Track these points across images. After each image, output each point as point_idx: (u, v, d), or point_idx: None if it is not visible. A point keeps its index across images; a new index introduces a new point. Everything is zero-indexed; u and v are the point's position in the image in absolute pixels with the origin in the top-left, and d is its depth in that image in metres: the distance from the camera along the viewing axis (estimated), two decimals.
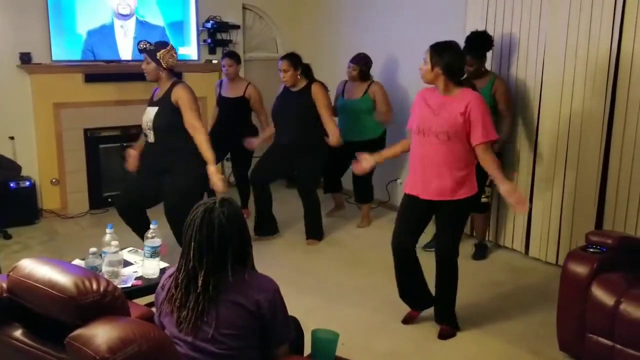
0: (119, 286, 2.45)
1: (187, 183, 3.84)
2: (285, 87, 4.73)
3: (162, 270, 2.81)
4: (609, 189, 3.99)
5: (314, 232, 4.89)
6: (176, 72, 4.08)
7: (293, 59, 4.59)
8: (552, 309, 3.10)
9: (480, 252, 4.57)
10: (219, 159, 5.77)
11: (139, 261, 2.94)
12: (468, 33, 4.33)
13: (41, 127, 5.38)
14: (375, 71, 5.16)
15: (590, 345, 2.86)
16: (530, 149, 4.45)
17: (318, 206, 4.87)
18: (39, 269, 1.75)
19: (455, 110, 3.05)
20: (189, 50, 5.98)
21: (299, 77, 4.60)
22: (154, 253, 2.82)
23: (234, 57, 5.26)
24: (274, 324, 1.94)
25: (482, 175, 3.38)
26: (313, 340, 2.35)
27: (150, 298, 2.48)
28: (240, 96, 5.20)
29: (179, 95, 3.76)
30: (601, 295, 2.78)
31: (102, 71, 5.53)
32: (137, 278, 2.81)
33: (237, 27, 6.30)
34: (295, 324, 2.22)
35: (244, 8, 6.49)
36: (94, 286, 1.67)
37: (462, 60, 3.16)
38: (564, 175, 4.25)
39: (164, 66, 3.77)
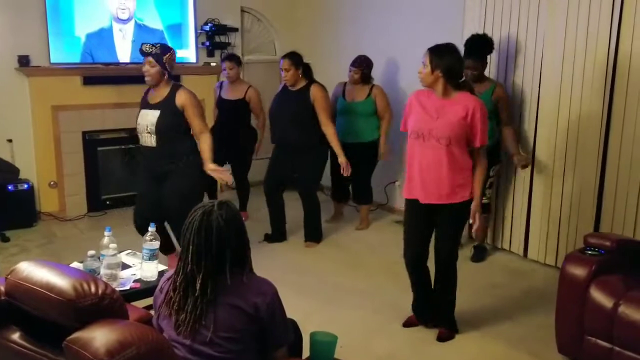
0: (117, 289, 2.45)
1: (189, 185, 3.83)
2: (284, 87, 4.71)
3: (161, 273, 2.81)
4: (607, 191, 3.99)
5: (313, 234, 4.88)
6: (173, 74, 4.07)
7: (294, 57, 4.57)
8: (551, 311, 3.10)
9: (479, 255, 4.57)
10: (218, 161, 5.78)
11: (138, 264, 2.94)
12: (466, 35, 4.35)
13: (39, 130, 5.37)
14: (374, 73, 5.16)
15: (588, 348, 2.86)
16: (528, 150, 4.46)
17: (318, 208, 4.86)
18: (37, 272, 1.74)
19: (456, 114, 3.05)
20: (188, 52, 5.98)
21: (300, 76, 4.59)
22: (152, 256, 2.82)
23: (234, 59, 5.26)
24: (273, 327, 1.94)
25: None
26: (312, 342, 2.35)
27: (148, 301, 2.48)
28: (241, 98, 5.20)
29: (185, 102, 3.74)
30: (600, 297, 2.78)
31: (100, 74, 5.52)
32: (135, 281, 2.80)
33: (235, 29, 6.30)
34: (293, 327, 2.22)
35: (242, 11, 6.49)
36: (92, 289, 1.67)
37: (461, 63, 3.16)
38: (563, 177, 4.26)
39: (169, 70, 3.76)
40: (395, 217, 5.49)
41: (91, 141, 5.66)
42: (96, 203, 5.69)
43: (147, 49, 3.73)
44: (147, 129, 3.78)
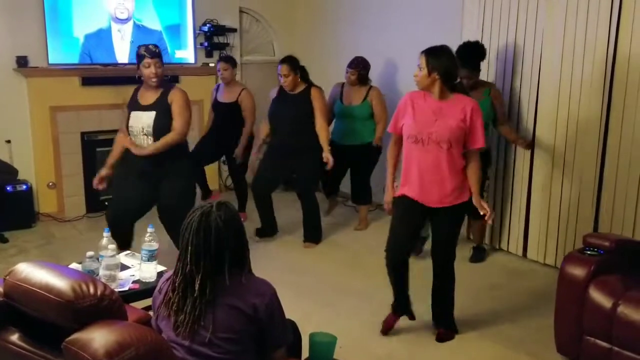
0: (116, 290, 2.45)
1: (185, 183, 3.84)
2: (282, 90, 4.72)
3: (160, 274, 2.80)
4: (606, 191, 3.99)
5: (312, 234, 4.88)
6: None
7: (292, 62, 4.59)
8: (550, 311, 3.10)
9: (478, 255, 4.57)
10: (213, 162, 5.79)
11: (136, 265, 2.94)
12: (465, 35, 4.36)
13: (38, 131, 5.37)
14: (372, 74, 5.15)
15: (588, 348, 2.86)
16: (527, 151, 4.45)
17: (317, 209, 4.87)
18: (36, 273, 1.74)
19: (455, 116, 3.04)
20: (186, 53, 5.97)
21: (298, 80, 4.62)
22: (151, 257, 2.82)
23: (229, 60, 5.25)
24: (271, 328, 1.94)
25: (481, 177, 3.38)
26: (311, 343, 2.35)
27: (147, 302, 2.48)
28: (234, 101, 5.19)
29: (174, 98, 3.73)
30: (599, 297, 2.78)
31: (99, 75, 5.52)
32: (134, 282, 2.80)
33: (234, 30, 6.30)
34: (293, 327, 2.22)
35: (241, 11, 6.49)
36: (91, 290, 1.67)
37: (457, 65, 3.16)
38: (562, 178, 4.26)
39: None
40: None
41: (90, 142, 5.65)
42: (95, 204, 5.68)
43: (155, 50, 3.70)
44: (143, 131, 3.75)
